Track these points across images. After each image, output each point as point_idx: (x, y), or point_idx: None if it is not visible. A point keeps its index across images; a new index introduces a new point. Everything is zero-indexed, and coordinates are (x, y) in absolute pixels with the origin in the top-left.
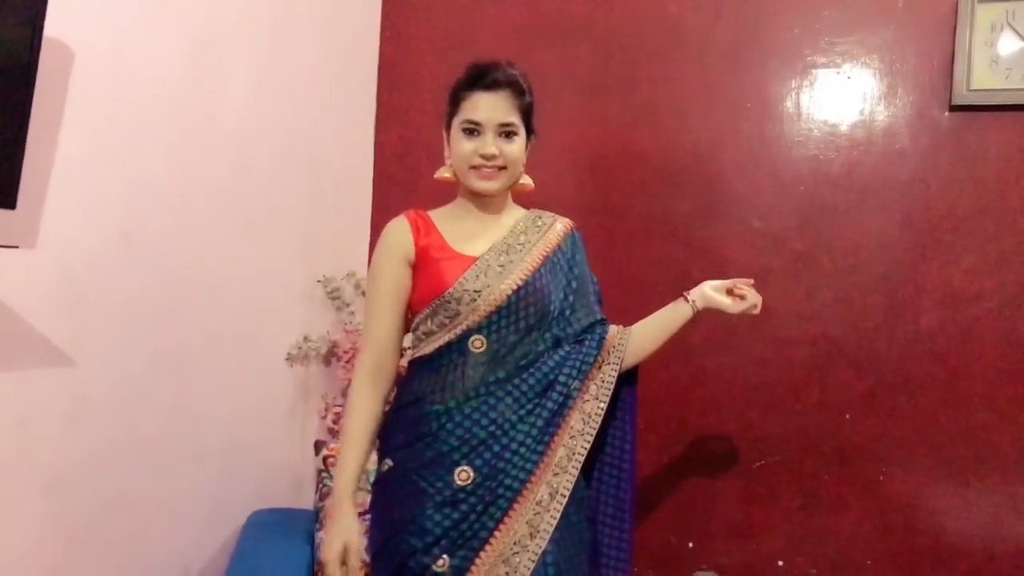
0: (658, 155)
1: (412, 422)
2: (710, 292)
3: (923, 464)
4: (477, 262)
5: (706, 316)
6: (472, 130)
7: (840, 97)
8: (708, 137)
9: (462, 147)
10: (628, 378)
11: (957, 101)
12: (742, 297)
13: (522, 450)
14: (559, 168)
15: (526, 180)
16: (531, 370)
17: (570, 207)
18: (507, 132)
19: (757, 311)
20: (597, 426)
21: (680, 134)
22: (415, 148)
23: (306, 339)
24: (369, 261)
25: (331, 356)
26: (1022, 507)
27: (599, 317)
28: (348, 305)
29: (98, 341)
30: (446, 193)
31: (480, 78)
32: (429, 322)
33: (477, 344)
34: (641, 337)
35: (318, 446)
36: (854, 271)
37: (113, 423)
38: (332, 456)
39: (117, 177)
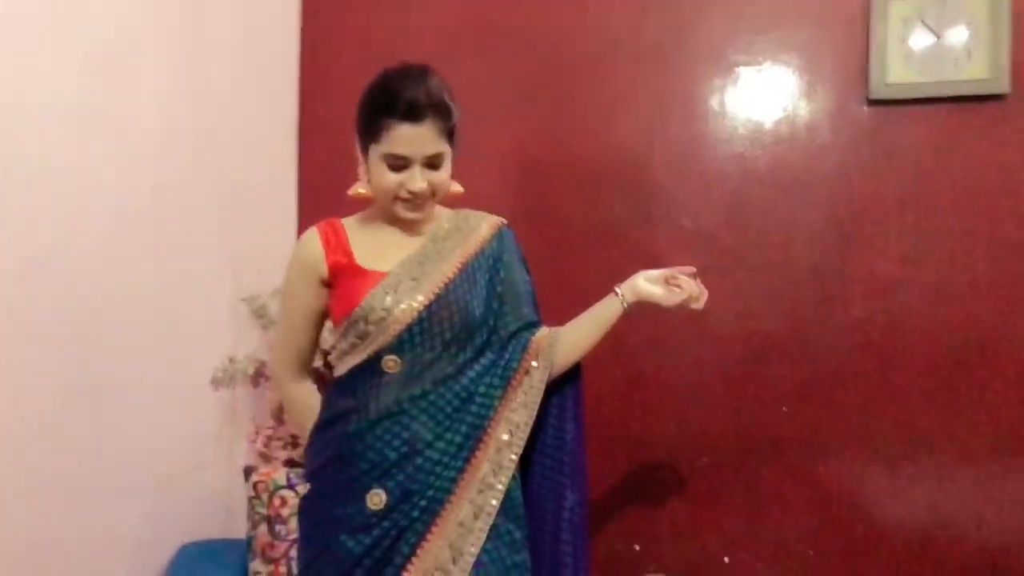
0: (589, 158)
1: (326, 444)
2: (643, 284)
3: (858, 454)
4: (387, 277)
5: (644, 315)
6: (396, 165)
7: (763, 94)
8: (637, 138)
9: (386, 179)
10: (571, 377)
11: (875, 95)
12: (678, 287)
13: (438, 469)
14: (490, 174)
15: (455, 187)
16: (449, 383)
17: (503, 212)
18: (434, 163)
19: (700, 305)
20: (525, 436)
21: (610, 136)
22: (341, 158)
23: (232, 360)
24: None
25: (259, 377)
26: (954, 491)
27: (528, 320)
28: (274, 323)
29: (3, 372)
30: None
31: (399, 105)
32: (343, 341)
33: (391, 364)
34: (575, 336)
35: (248, 472)
36: (784, 265)
37: (25, 463)
38: (262, 481)
39: (15, 197)
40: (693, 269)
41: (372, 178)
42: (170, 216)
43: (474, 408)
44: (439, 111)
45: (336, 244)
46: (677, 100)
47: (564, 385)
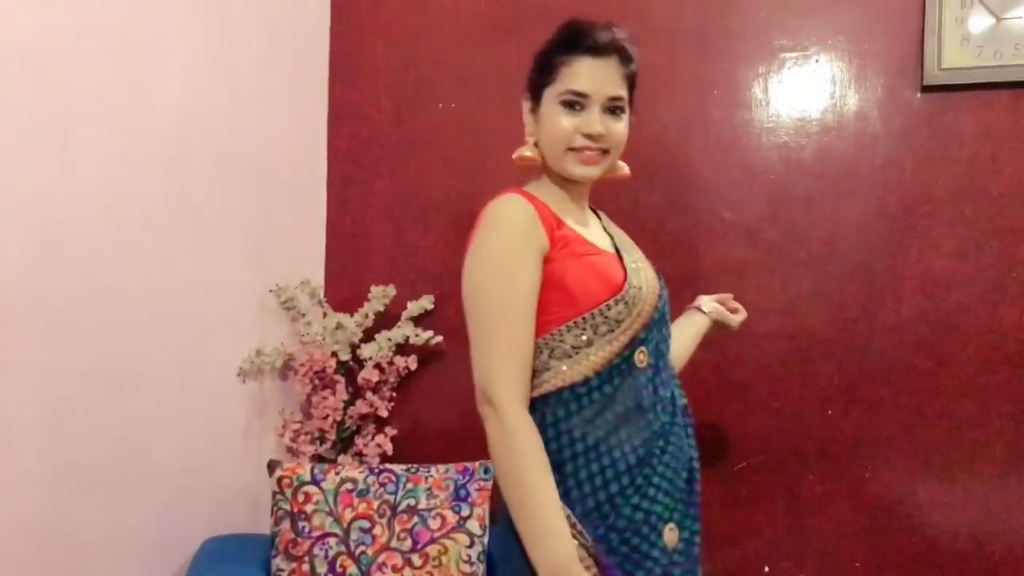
0: (625, 145)
1: (596, 475)
2: (717, 306)
3: (908, 459)
4: (623, 256)
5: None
6: (574, 103)
7: (809, 81)
8: (676, 125)
9: (560, 124)
10: None
11: (929, 81)
12: (735, 309)
13: (698, 488)
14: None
15: (623, 166)
16: (672, 383)
17: None
18: (614, 107)
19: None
20: None
21: (647, 123)
22: (371, 146)
23: (259, 353)
24: (329, 267)
25: (287, 370)
26: (1012, 500)
27: None
28: (303, 316)
29: (25, 360)
30: (406, 198)
31: (584, 39)
32: (580, 335)
33: (641, 358)
34: (677, 355)
35: (272, 466)
36: (830, 261)
37: (45, 448)
38: (287, 477)
39: (42, 182)
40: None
41: (544, 129)
42: (195, 203)
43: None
44: (623, 53)
45: (546, 213)
46: (719, 87)
47: None
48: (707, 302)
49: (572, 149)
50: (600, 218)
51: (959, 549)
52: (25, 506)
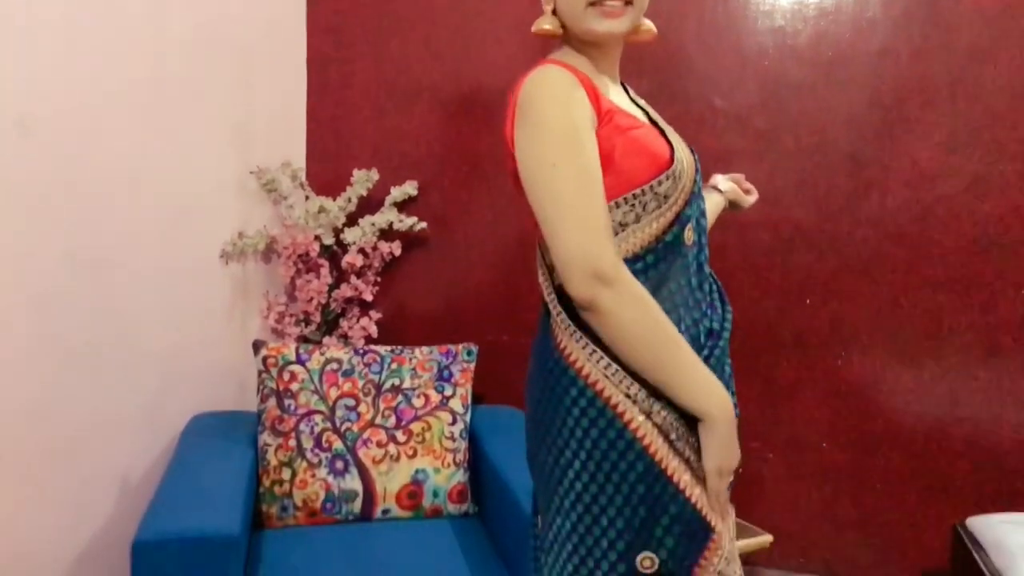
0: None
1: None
2: (732, 186)
3: (881, 347)
4: (662, 128)
5: None
6: None
7: None
8: (668, 8)
9: None
10: None
11: None
12: (748, 191)
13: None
14: (512, 47)
15: (649, 26)
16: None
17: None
18: None
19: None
20: None
21: None
22: (350, 23)
23: (241, 235)
24: (310, 150)
25: (270, 252)
26: (977, 387)
27: None
28: (285, 199)
29: (0, 240)
30: (389, 80)
31: None
32: (629, 212)
33: (689, 235)
34: None
35: (257, 346)
36: (818, 151)
37: (27, 329)
38: (272, 356)
39: (9, 54)
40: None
41: None
42: (173, 84)
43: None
44: None
45: (587, 83)
46: None
47: None
48: (723, 181)
49: (592, 3)
50: (627, 89)
51: (923, 433)
52: (12, 383)
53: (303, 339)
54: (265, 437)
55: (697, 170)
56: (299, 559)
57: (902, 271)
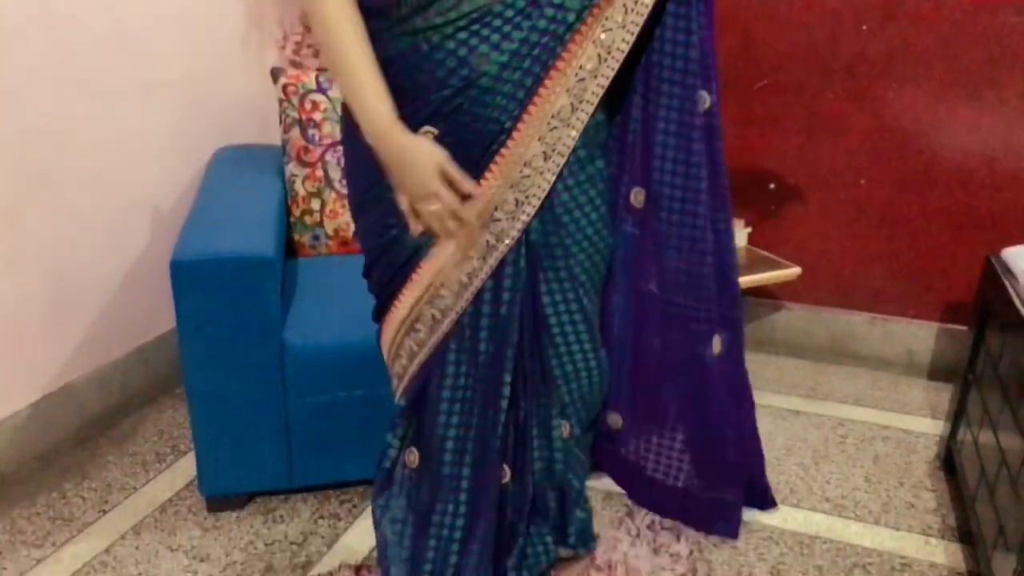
0: None
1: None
2: None
3: (937, 77)
4: None
5: None
6: None
7: None
8: None
9: None
10: None
11: None
12: None
13: (500, 100)
14: None
15: None
16: None
17: None
18: None
19: None
20: (617, 64)
21: None
22: None
23: None
24: None
25: None
26: None
27: None
28: None
29: None
30: None
31: None
32: None
33: None
34: None
35: (275, 73)
36: None
37: (36, 48)
38: (292, 84)
39: None
40: None
41: None
42: None
43: (541, 24)
44: None
45: None
46: None
47: None
48: None
49: None
50: None
51: (967, 171)
52: (28, 104)
53: (322, 71)
54: (292, 168)
55: None
56: (333, 284)
57: None
